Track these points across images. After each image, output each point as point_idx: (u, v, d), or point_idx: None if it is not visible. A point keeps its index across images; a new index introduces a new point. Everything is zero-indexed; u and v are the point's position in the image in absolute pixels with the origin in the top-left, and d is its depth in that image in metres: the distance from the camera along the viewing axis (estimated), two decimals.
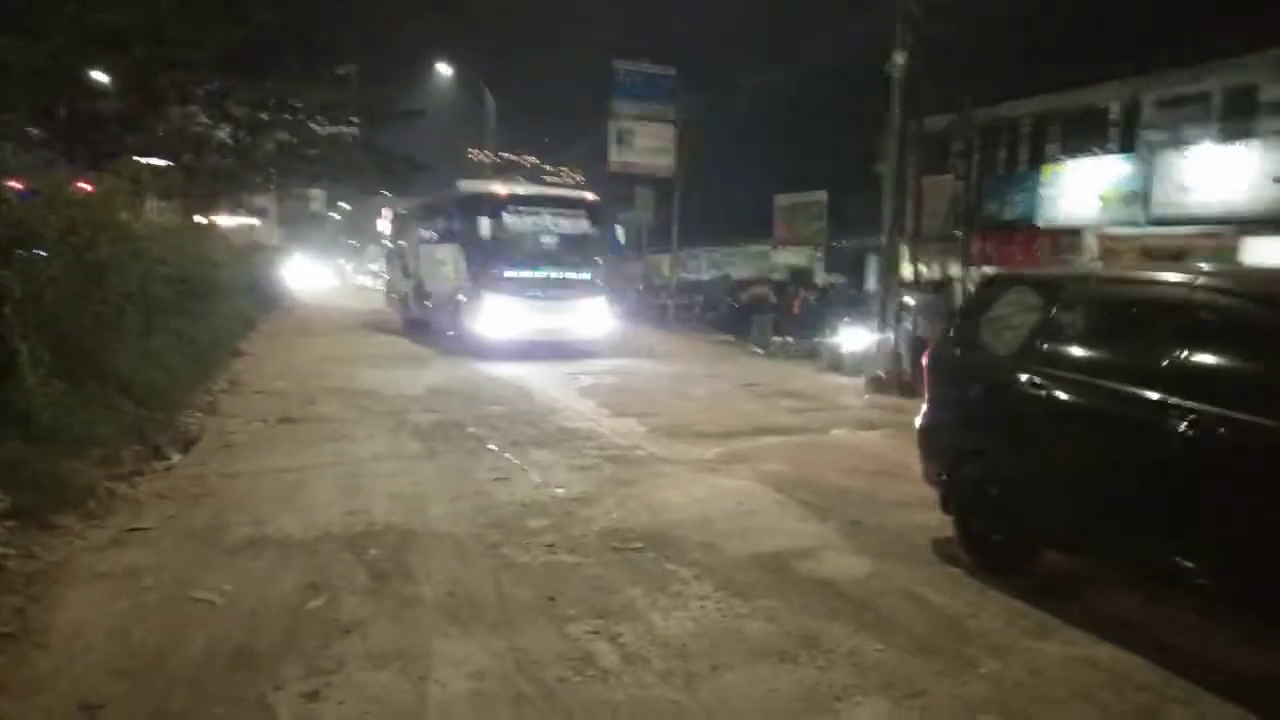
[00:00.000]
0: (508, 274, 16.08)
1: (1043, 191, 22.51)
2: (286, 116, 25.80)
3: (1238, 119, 19.41)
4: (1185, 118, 20.74)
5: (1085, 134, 22.62)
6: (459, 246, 17.27)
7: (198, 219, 23.22)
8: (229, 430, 8.96)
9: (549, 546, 5.61)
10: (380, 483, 7.12)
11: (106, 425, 7.55)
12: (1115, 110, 22.30)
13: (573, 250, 17.08)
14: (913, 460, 6.32)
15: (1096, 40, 19.90)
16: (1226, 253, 19.59)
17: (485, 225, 16.01)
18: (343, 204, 66.45)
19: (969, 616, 4.71)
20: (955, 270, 25.58)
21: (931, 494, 5.95)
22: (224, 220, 29.91)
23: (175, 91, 22.76)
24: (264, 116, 25.41)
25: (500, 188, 17.33)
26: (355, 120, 27.78)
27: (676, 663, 4.07)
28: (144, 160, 17.45)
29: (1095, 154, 21.98)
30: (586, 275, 17.07)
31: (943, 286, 18.47)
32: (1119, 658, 4.26)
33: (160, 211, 17.79)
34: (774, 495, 7.04)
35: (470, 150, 47.97)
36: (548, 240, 16.93)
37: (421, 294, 20.41)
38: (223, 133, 25.43)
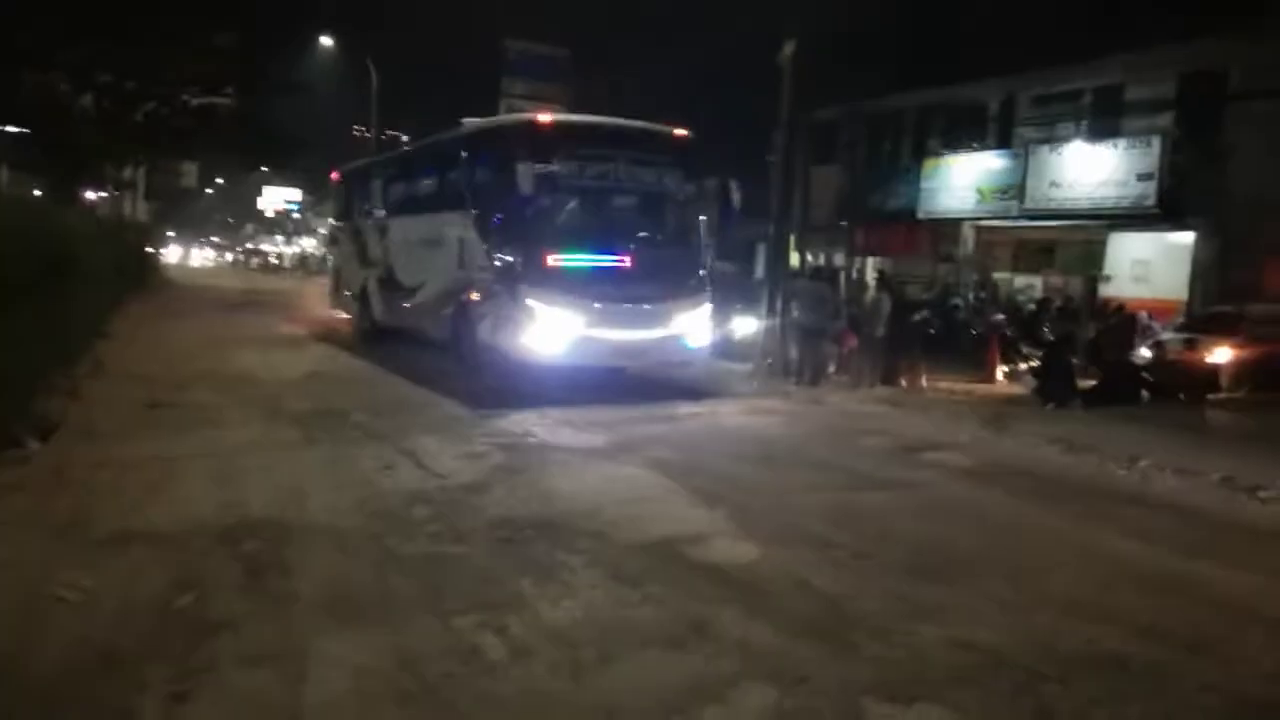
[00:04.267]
0: (560, 261, 10.28)
1: (924, 184, 23.22)
2: (156, 86, 24.55)
3: (1106, 117, 20.36)
4: (1058, 115, 21.66)
5: (966, 129, 23.40)
6: (471, 219, 11.44)
7: (57, 192, 21.89)
8: (93, 417, 8.46)
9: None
10: (256, 473, 6.83)
11: None
12: (993, 106, 23.11)
13: (661, 218, 11.39)
14: (799, 444, 6.40)
15: (978, 38, 20.54)
16: (1095, 246, 20.60)
17: (525, 181, 9.65)
18: (219, 180, 63.82)
19: (849, 599, 4.78)
20: (840, 259, 26.25)
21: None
22: (88, 194, 28.34)
23: (33, 55, 21.34)
24: (131, 85, 24.09)
25: (545, 117, 10.98)
26: (230, 92, 26.62)
27: (565, 653, 4.01)
28: None
29: (974, 148, 22.77)
30: (684, 261, 11.22)
31: (826, 275, 18.89)
32: None
33: (16, 184, 16.71)
34: (664, 482, 7.03)
35: (355, 128, 46.74)
36: (623, 203, 11.14)
37: (394, 292, 14.48)
38: (86, 101, 24.05)
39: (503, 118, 12.88)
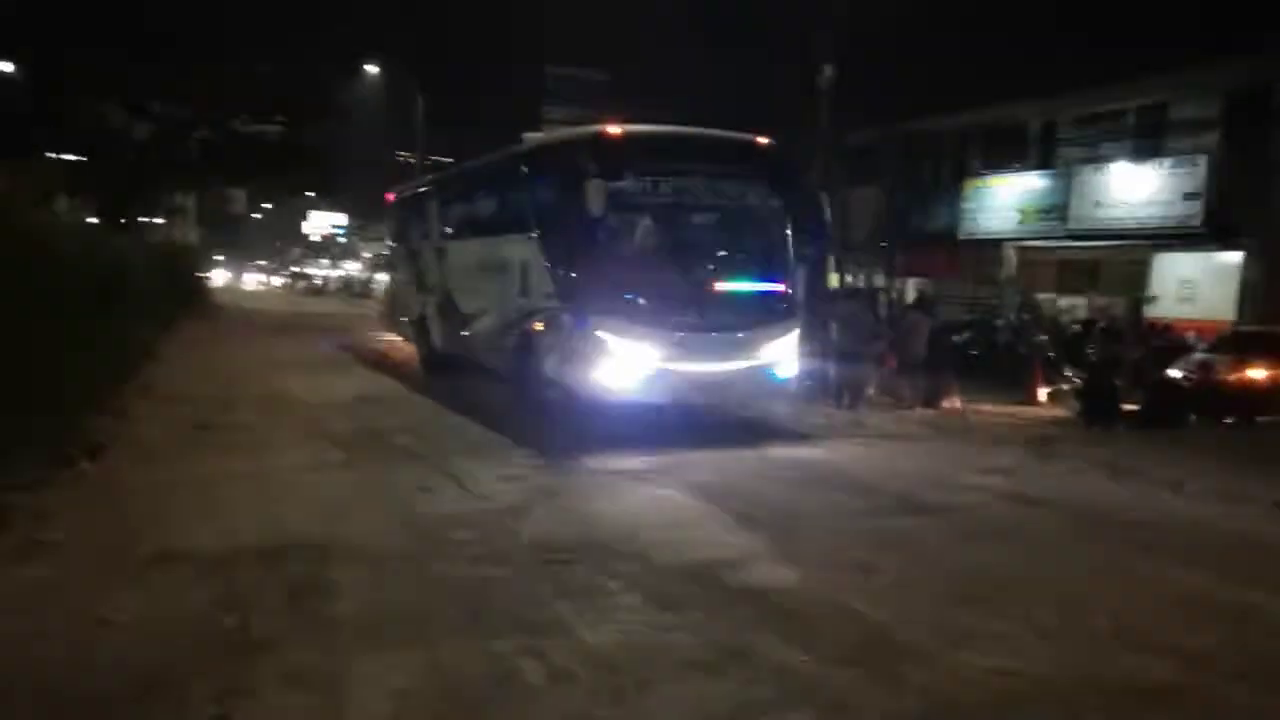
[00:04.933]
0: (635, 287, 9.38)
1: (964, 205, 23.06)
2: (208, 114, 25.15)
3: (1149, 137, 20.12)
4: (1101, 135, 21.43)
5: (1006, 149, 23.25)
6: (535, 242, 10.55)
7: (109, 218, 22.44)
8: (142, 437, 8.64)
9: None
10: (300, 494, 6.92)
11: (5, 432, 7.20)
12: (1034, 127, 22.93)
13: (744, 236, 10.41)
14: (840, 468, 6.36)
15: (1017, 58, 20.42)
16: (1139, 266, 20.30)
17: (593, 200, 8.73)
18: (266, 205, 65.04)
19: (890, 625, 4.73)
20: (880, 280, 26.10)
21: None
22: (142, 219, 29.03)
23: (89, 83, 21.95)
24: (184, 113, 24.70)
25: (614, 128, 9.48)
26: (280, 120, 27.19)
27: (604, 678, 4.01)
28: (55, 156, 16.81)
29: (1015, 169, 22.60)
30: (771, 283, 10.22)
31: (865, 296, 18.75)
32: None
33: (71, 210, 17.17)
34: (702, 506, 7.02)
35: (400, 153, 47.46)
36: (702, 222, 10.24)
37: (453, 319, 13.60)
38: (142, 130, 24.69)
39: (567, 131, 11.44)
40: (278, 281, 76.36)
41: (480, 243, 12.90)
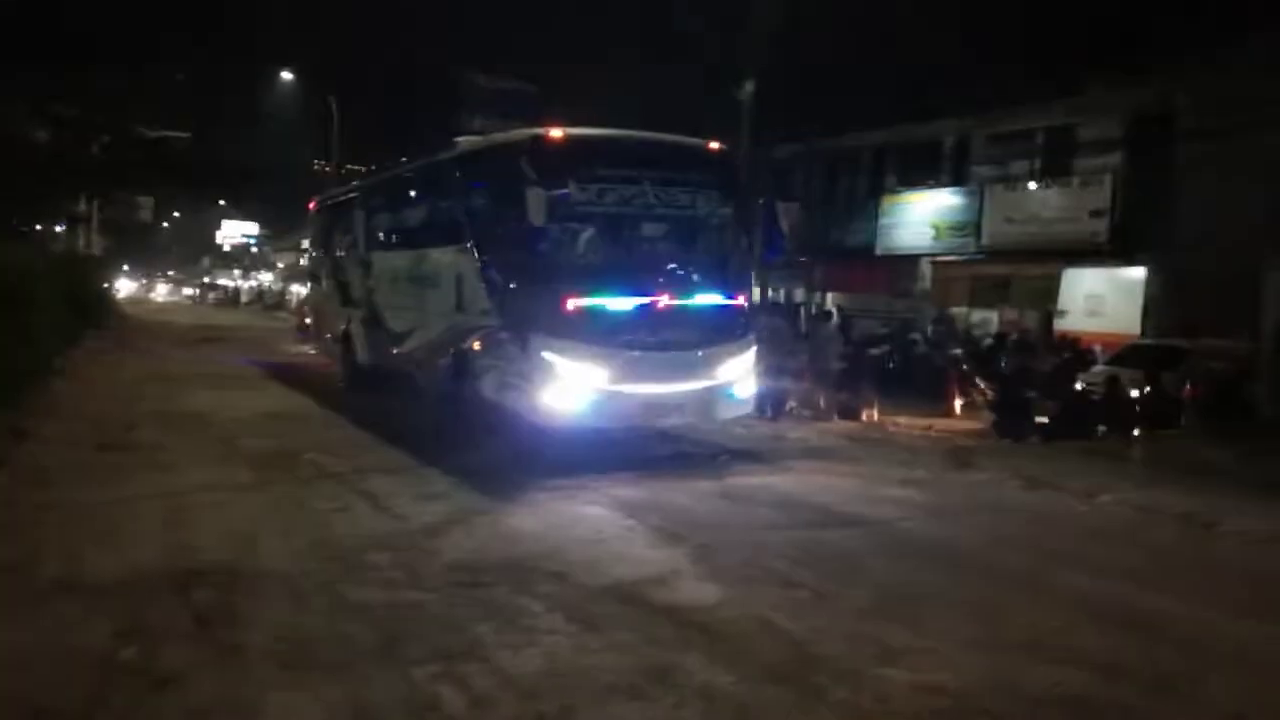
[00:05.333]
0: (580, 303, 8.68)
1: (882, 221, 23.51)
2: (113, 119, 24.29)
3: (1058, 156, 20.79)
4: (1012, 154, 22.07)
5: (921, 166, 23.79)
6: (471, 255, 9.90)
7: (5, 226, 21.50)
8: (41, 458, 8.24)
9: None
10: (208, 517, 6.66)
11: None
12: (948, 144, 23.50)
13: (697, 247, 9.78)
14: (760, 482, 6.36)
15: (934, 78, 20.92)
16: (1049, 281, 20.93)
17: (534, 208, 8.18)
18: (175, 214, 63.12)
19: (813, 641, 4.73)
20: (800, 294, 26.45)
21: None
22: (40, 228, 27.89)
23: None
24: (87, 117, 23.82)
25: (556, 130, 8.91)
26: (187, 126, 26.43)
27: (526, 705, 3.91)
28: None
29: (930, 186, 23.13)
30: (726, 297, 9.66)
31: (785, 310, 18.99)
32: None
33: None
34: (625, 522, 6.95)
35: (315, 162, 46.53)
36: (652, 232, 9.60)
37: (380, 336, 12.92)
38: (41, 134, 23.73)
39: (505, 134, 10.35)
40: (188, 292, 74.26)
41: (410, 254, 12.12)
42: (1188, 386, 14.53)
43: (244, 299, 59.41)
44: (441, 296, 10.67)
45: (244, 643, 4.43)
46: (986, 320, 22.00)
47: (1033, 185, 20.27)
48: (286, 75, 36.60)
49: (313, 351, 17.54)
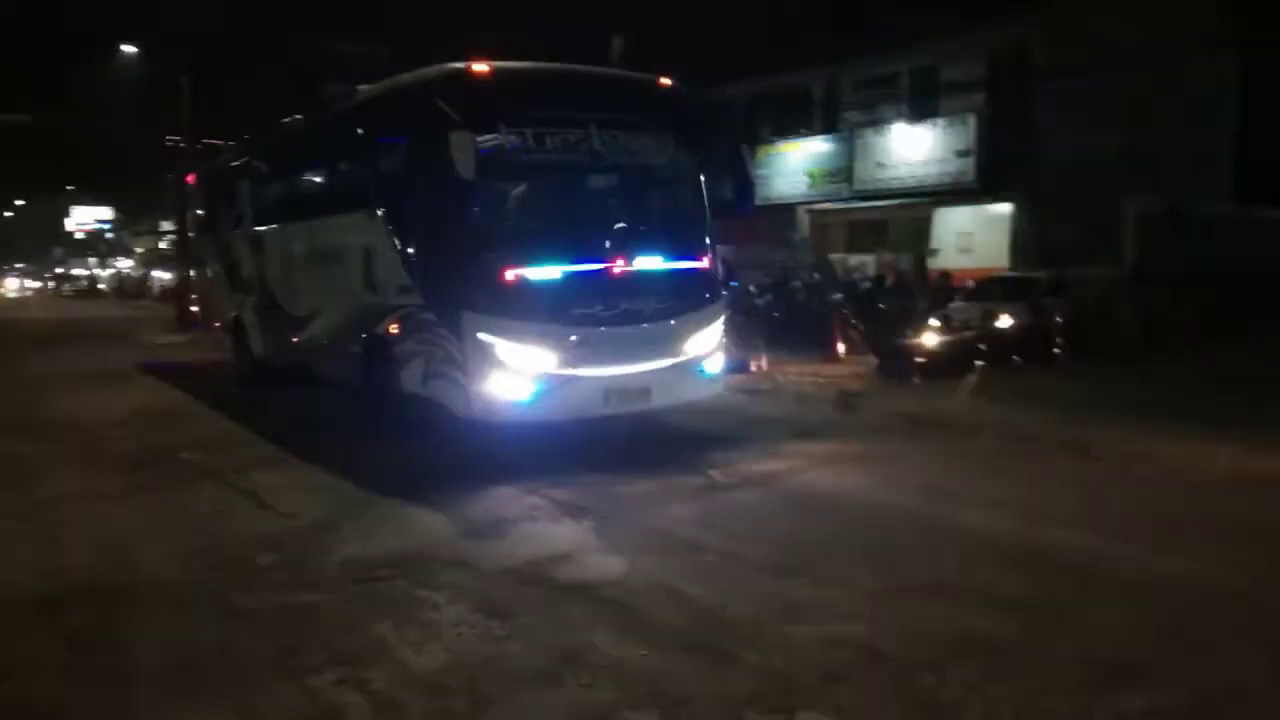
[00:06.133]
0: (520, 273, 7.43)
1: (758, 171, 23.64)
2: None
3: (924, 98, 21.27)
4: (879, 98, 22.46)
5: (793, 115, 23.97)
6: (381, 221, 8.58)
7: None
8: None
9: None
10: (77, 531, 6.25)
11: None
12: (818, 92, 23.75)
13: (653, 201, 8.69)
14: (657, 443, 6.32)
15: (799, 23, 21.00)
16: (921, 223, 21.49)
17: (461, 159, 6.79)
18: (19, 202, 59.31)
19: (722, 606, 4.72)
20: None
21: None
22: None
23: None
24: None
25: (480, 64, 7.44)
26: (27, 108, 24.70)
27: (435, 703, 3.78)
28: None
29: (802, 135, 23.36)
30: (690, 259, 8.43)
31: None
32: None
33: None
34: (524, 497, 6.84)
35: (169, 138, 44.17)
36: (600, 185, 8.28)
37: (278, 323, 11.51)
38: None
39: (413, 73, 8.39)
40: (41, 285, 70.12)
41: (307, 226, 10.64)
42: (1058, 314, 15.17)
43: (104, 288, 56.40)
44: (347, 274, 9.34)
45: (126, 668, 4.15)
46: (864, 264, 22.49)
47: (900, 128, 20.68)
48: (129, 49, 34.49)
49: (178, 340, 16.67)
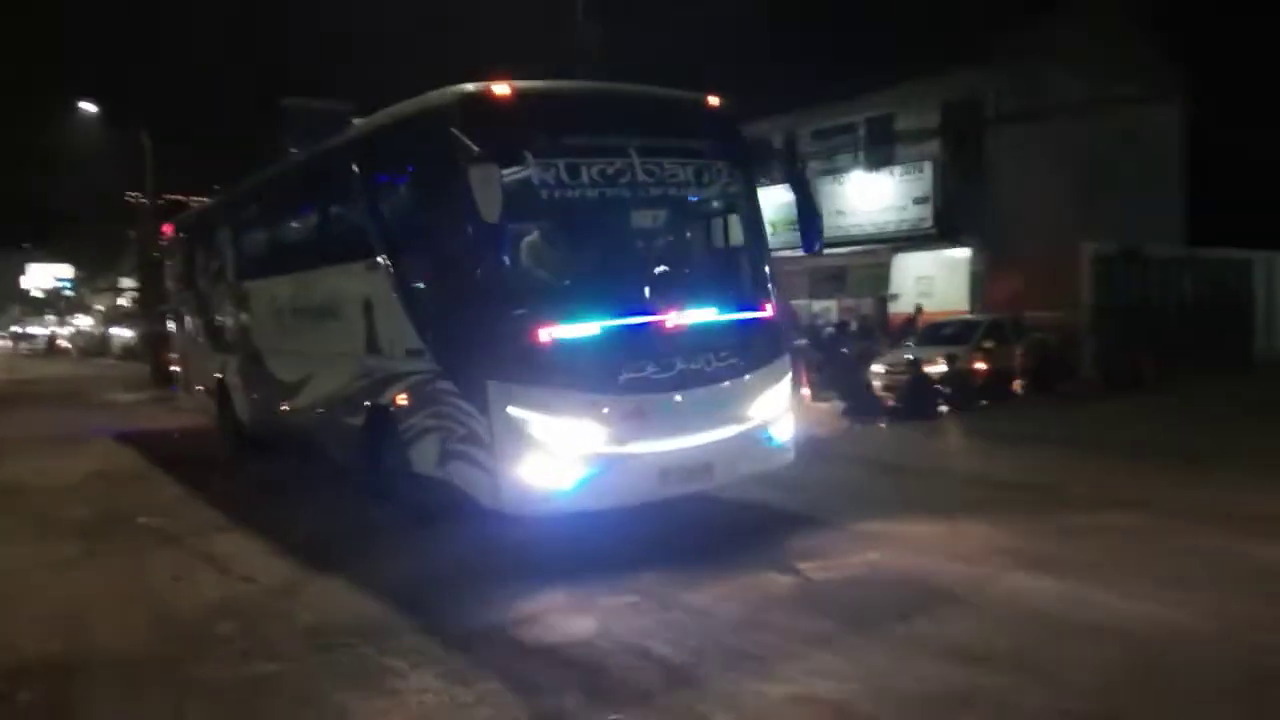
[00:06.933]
0: (561, 327, 6.26)
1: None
2: None
3: (881, 147, 21.68)
4: (837, 147, 22.83)
5: (754, 164, 24.14)
6: (386, 271, 7.45)
7: None
8: None
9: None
10: (28, 602, 6.07)
11: None
12: (777, 141, 24.10)
13: (708, 241, 7.86)
14: None
15: (762, 75, 21.28)
16: (882, 269, 21.76)
17: (483, 194, 5.65)
18: None
19: (691, 665, 4.66)
20: None
21: None
22: None
23: None
24: None
25: (501, 85, 6.41)
26: None
27: None
28: None
29: (762, 184, 23.53)
30: (751, 307, 7.29)
31: None
32: None
33: None
34: (488, 559, 6.73)
35: (129, 195, 43.87)
36: (647, 220, 7.06)
37: (268, 386, 10.41)
38: None
39: (419, 99, 7.07)
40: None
41: (298, 279, 9.47)
42: (1019, 356, 15.44)
43: (67, 345, 55.49)
44: (345, 333, 8.23)
45: None
46: (827, 310, 22.69)
47: (859, 176, 21.02)
48: (89, 107, 34.34)
49: (132, 398, 16.33)
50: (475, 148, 5.76)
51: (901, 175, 20.03)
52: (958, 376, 14.45)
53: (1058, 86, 18.96)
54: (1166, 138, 23.26)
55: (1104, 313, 17.50)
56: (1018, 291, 17.71)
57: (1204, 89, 22.87)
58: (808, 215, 7.64)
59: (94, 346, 49.27)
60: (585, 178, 6.39)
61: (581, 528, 6.63)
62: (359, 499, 8.45)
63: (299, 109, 25.42)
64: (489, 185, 5.62)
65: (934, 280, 21.05)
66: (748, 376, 6.92)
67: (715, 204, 7.44)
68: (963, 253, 20.17)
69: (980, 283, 19.81)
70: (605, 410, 6.21)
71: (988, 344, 15.26)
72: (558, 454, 6.10)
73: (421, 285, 7.03)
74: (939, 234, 19.60)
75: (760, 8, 22.67)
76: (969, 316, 17.72)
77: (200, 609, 5.78)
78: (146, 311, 35.30)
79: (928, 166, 19.60)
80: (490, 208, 5.62)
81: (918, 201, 19.54)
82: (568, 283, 6.58)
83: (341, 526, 7.75)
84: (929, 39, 19.19)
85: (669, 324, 6.58)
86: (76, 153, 31.23)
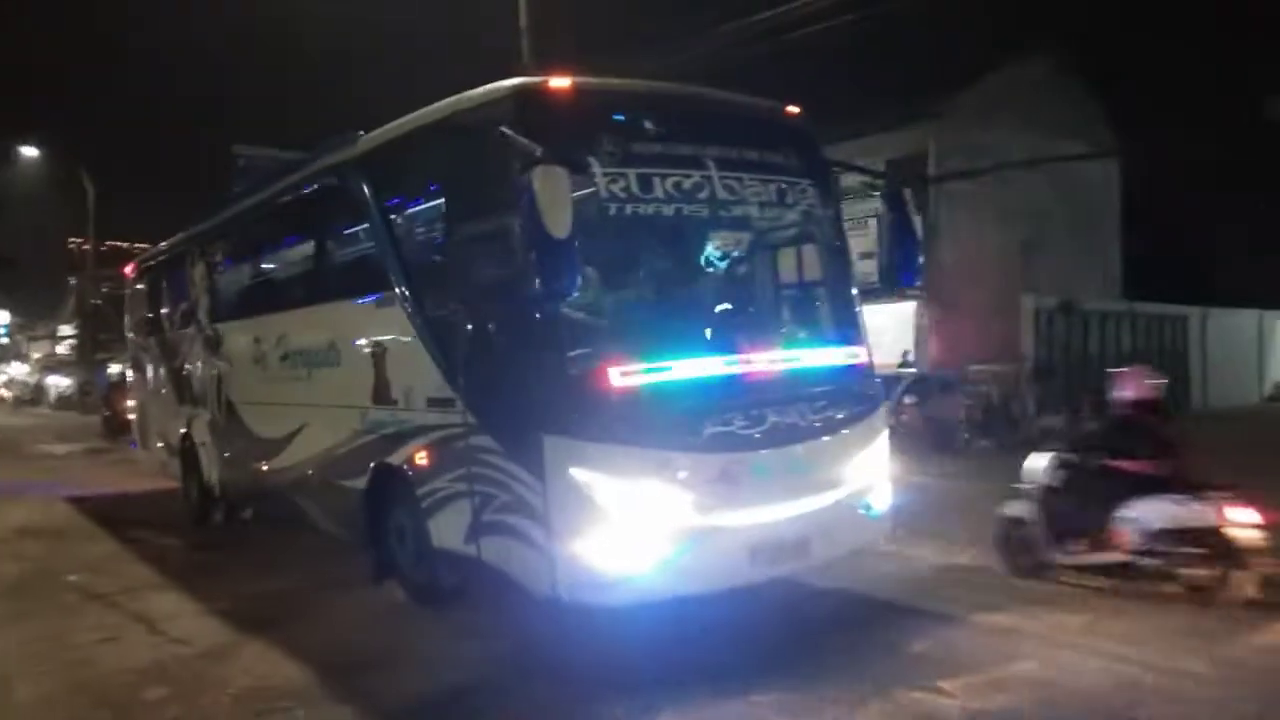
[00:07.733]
0: (635, 371, 5.13)
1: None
2: None
3: None
4: None
5: None
6: (403, 306, 6.29)
7: None
8: None
9: None
10: None
11: None
12: None
13: (796, 271, 7.13)
14: None
15: None
16: None
17: (549, 203, 4.53)
18: None
19: None
20: None
21: None
22: None
23: None
24: None
25: (560, 80, 5.35)
26: None
27: None
28: None
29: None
30: (845, 349, 6.34)
31: None
32: None
33: None
34: (429, 614, 6.58)
35: (71, 240, 43.12)
36: (729, 244, 6.53)
37: (244, 443, 9.02)
38: None
39: (454, 100, 5.82)
40: None
41: (286, 319, 8.20)
42: (962, 409, 15.71)
43: (4, 394, 53.92)
44: (344, 378, 7.08)
45: None
46: None
47: None
48: (30, 150, 33.83)
49: (65, 449, 15.86)
50: (537, 148, 4.77)
51: (848, 232, 20.39)
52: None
53: (998, 145, 19.53)
54: (1104, 195, 24.02)
55: (1044, 364, 17.92)
56: (961, 344, 18.05)
57: (1139, 149, 23.68)
58: (905, 241, 6.69)
59: (29, 395, 47.96)
60: (660, 192, 5.42)
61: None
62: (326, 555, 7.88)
63: (250, 156, 25.22)
64: (556, 192, 4.60)
65: (883, 333, 21.32)
66: (846, 431, 5.90)
67: (800, 229, 6.48)
68: (908, 306, 20.52)
69: (924, 336, 20.15)
70: (687, 473, 5.13)
71: (908, 400, 15.62)
72: (632, 528, 4.96)
73: (453, 321, 5.76)
74: (885, 289, 19.91)
75: (701, 69, 23.11)
76: (897, 369, 17.99)
77: (127, 673, 5.54)
78: (84, 359, 34.51)
79: (872, 222, 19.99)
80: (557, 219, 4.56)
81: (864, 257, 19.83)
82: (640, 316, 5.74)
83: (282, 572, 7.54)
84: (876, 101, 19.68)
85: (758, 367, 5.62)
86: (16, 197, 30.62)
